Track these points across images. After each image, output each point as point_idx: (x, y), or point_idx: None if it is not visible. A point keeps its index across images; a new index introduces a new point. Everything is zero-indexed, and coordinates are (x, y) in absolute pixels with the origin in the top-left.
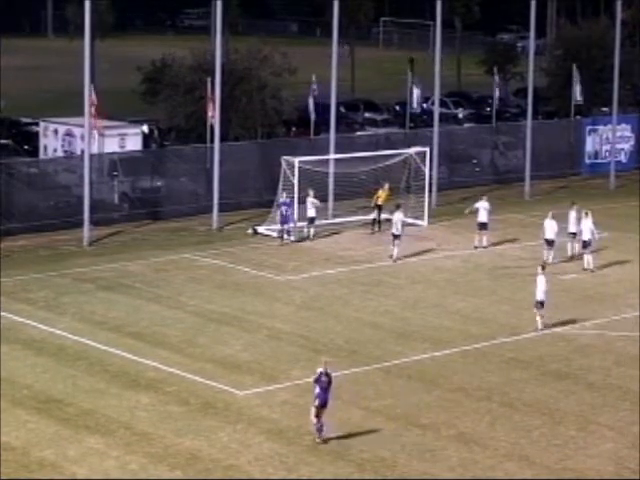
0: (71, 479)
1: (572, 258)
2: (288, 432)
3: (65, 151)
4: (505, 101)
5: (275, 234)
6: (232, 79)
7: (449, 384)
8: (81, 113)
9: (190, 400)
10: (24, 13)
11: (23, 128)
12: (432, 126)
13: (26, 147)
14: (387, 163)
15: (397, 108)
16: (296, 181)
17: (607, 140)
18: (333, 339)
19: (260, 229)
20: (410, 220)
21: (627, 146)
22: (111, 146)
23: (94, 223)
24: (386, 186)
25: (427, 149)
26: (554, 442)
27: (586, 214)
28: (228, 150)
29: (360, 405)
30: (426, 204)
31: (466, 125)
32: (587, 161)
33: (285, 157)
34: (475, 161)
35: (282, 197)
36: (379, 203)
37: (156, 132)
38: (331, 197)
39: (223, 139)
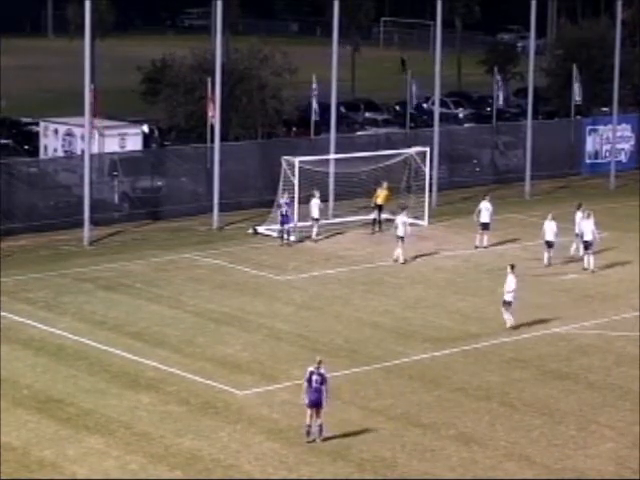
0: (71, 479)
1: (573, 258)
2: (288, 432)
3: (65, 151)
4: (506, 101)
5: (275, 234)
6: (232, 79)
7: (449, 384)
8: (81, 113)
9: (190, 400)
10: (24, 13)
11: (23, 128)
12: (432, 126)
13: (26, 147)
14: (387, 163)
15: (397, 108)
16: (296, 181)
17: (607, 140)
18: (333, 339)
19: (260, 229)
20: (410, 220)
21: (627, 146)
22: (111, 146)
23: (94, 223)
24: (384, 185)
25: (427, 149)
26: (554, 442)
27: (588, 215)
28: (228, 150)
29: (360, 405)
30: (426, 204)
31: (466, 125)
32: (587, 161)
33: (285, 157)
34: (475, 161)
35: (283, 197)
36: (379, 203)
37: (156, 132)
38: (331, 197)
39: (223, 139)
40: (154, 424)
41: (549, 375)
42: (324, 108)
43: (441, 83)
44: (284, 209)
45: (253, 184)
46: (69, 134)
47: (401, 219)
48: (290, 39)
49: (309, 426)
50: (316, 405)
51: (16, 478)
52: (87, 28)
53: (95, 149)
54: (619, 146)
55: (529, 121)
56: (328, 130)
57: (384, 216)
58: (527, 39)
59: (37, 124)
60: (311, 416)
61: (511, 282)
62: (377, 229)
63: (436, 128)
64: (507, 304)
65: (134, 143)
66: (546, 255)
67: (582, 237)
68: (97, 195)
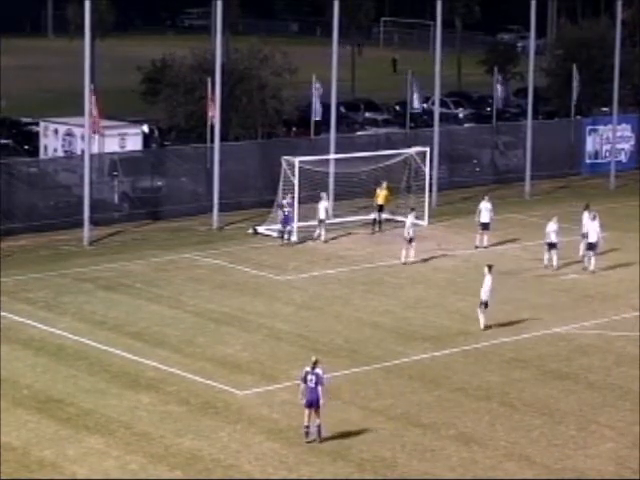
0: (71, 479)
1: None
2: (288, 432)
3: (65, 151)
4: (505, 101)
5: (275, 234)
6: (232, 79)
7: (449, 384)
8: (81, 113)
9: (190, 400)
10: (24, 13)
11: (23, 128)
12: (432, 126)
13: (26, 147)
14: (387, 163)
15: (397, 108)
16: (296, 181)
17: (607, 140)
18: (333, 339)
19: (260, 229)
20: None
21: (627, 146)
22: (111, 146)
23: (94, 223)
24: (384, 185)
25: (427, 149)
26: (554, 442)
27: (593, 217)
28: (228, 150)
29: (360, 405)
30: (426, 204)
31: (466, 125)
32: (587, 161)
33: (285, 157)
34: (475, 161)
35: (286, 198)
36: (379, 203)
37: (156, 132)
38: (331, 197)
39: (223, 139)
40: (154, 424)
41: (549, 375)
42: (324, 108)
43: (441, 83)
44: (286, 210)
45: (253, 184)
46: (69, 134)
47: (410, 220)
48: (290, 39)
49: (307, 427)
50: (312, 405)
51: (16, 478)
52: (87, 28)
53: (95, 149)
54: (619, 146)
55: (529, 121)
56: (328, 130)
57: (383, 216)
58: (527, 39)
59: (37, 124)
60: (309, 416)
61: (488, 282)
62: (377, 229)
63: (436, 128)
64: (484, 304)
65: (134, 143)
66: (546, 256)
67: (586, 238)
68: (97, 195)
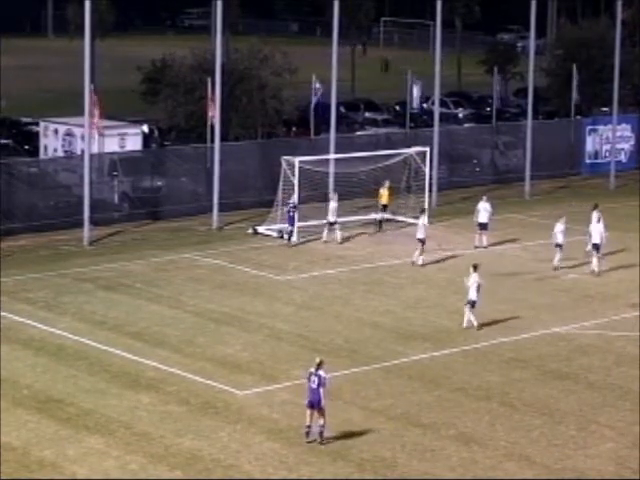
0: (71, 479)
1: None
2: (288, 432)
3: (65, 151)
4: (505, 101)
5: (275, 234)
6: (232, 79)
7: (449, 384)
8: (81, 113)
9: (190, 400)
10: (24, 13)
11: (23, 128)
12: (432, 126)
13: (26, 147)
14: (387, 163)
15: (397, 108)
16: (296, 181)
17: (607, 140)
18: (333, 339)
19: (260, 229)
20: (410, 220)
21: (627, 146)
22: (111, 146)
23: (94, 223)
24: (387, 184)
25: (427, 149)
26: (554, 442)
27: (598, 219)
28: (228, 150)
29: (360, 405)
30: (426, 204)
31: (466, 125)
32: (587, 161)
33: (285, 157)
34: (475, 161)
35: (291, 199)
36: (383, 203)
37: (156, 132)
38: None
39: (223, 139)
40: (154, 424)
41: (549, 375)
42: (324, 108)
43: (441, 83)
44: (291, 211)
45: (253, 184)
46: (69, 134)
47: (422, 221)
48: (290, 39)
49: (308, 426)
50: (314, 406)
51: (16, 478)
52: (87, 28)
53: (95, 149)
54: (619, 146)
55: (529, 121)
56: (328, 130)
57: (383, 216)
58: (527, 39)
59: (37, 124)
60: (310, 416)
61: (473, 281)
62: (379, 229)
63: (436, 128)
64: (470, 303)
65: (134, 143)
66: (557, 256)
67: (591, 238)
68: (97, 195)
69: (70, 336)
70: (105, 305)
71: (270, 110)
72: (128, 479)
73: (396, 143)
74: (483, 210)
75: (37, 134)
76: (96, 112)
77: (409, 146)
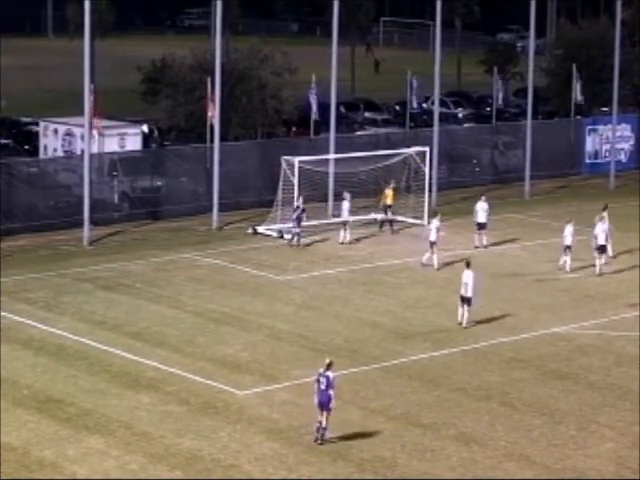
0: (71, 479)
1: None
2: (288, 432)
3: (65, 151)
4: (505, 101)
5: (276, 234)
6: (232, 79)
7: (449, 384)
8: (81, 113)
9: (190, 400)
10: (24, 13)
11: (23, 128)
12: (432, 126)
13: (26, 147)
14: (387, 163)
15: (397, 108)
16: (296, 181)
17: (607, 140)
18: (333, 339)
19: (260, 229)
20: (410, 220)
21: (627, 146)
22: (111, 146)
23: (94, 223)
24: (392, 184)
25: (427, 149)
26: (554, 442)
27: (601, 219)
28: (228, 150)
29: (360, 405)
30: (426, 204)
31: (466, 125)
32: (587, 161)
33: (285, 157)
34: (475, 161)
35: (298, 200)
36: (388, 203)
37: (156, 132)
38: (331, 197)
39: (223, 139)
40: (154, 424)
41: (549, 375)
42: (324, 108)
43: (441, 83)
44: (299, 212)
45: (253, 184)
46: (69, 134)
47: (434, 224)
48: (290, 39)
49: (319, 425)
50: (323, 407)
51: (16, 478)
52: (87, 28)
53: (95, 149)
54: (619, 146)
55: (529, 121)
56: (328, 130)
57: (388, 216)
58: (527, 39)
59: (37, 124)
60: (321, 415)
61: (468, 278)
62: (385, 229)
63: (436, 128)
64: (466, 300)
65: (134, 143)
66: (567, 259)
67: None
68: (97, 195)
69: (70, 336)
70: (105, 305)
71: (270, 110)
72: (128, 479)
73: (396, 143)
74: (481, 210)
75: (37, 134)
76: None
77: (409, 146)
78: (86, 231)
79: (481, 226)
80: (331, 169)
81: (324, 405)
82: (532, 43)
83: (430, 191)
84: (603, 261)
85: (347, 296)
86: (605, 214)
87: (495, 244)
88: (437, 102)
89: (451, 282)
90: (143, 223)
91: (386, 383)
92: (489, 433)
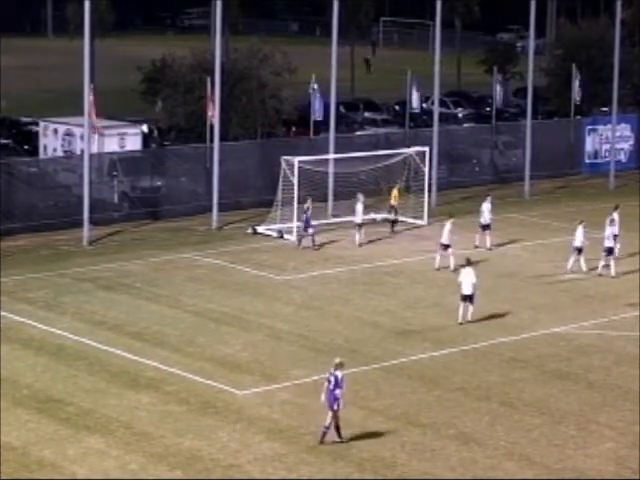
0: (71, 479)
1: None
2: (288, 432)
3: (65, 151)
4: (505, 100)
5: (276, 234)
6: (232, 79)
7: (449, 384)
8: (81, 113)
9: (190, 400)
10: (24, 13)
11: (23, 128)
12: (432, 126)
13: (26, 147)
14: (387, 163)
15: (397, 108)
16: (296, 181)
17: (607, 140)
18: (333, 339)
19: (260, 229)
20: (410, 220)
21: (627, 146)
22: (111, 146)
23: (94, 223)
24: (398, 185)
25: (427, 149)
26: (554, 442)
27: (611, 221)
28: (228, 150)
29: (360, 405)
30: (426, 204)
31: (466, 125)
32: (587, 161)
33: (285, 157)
34: (475, 161)
35: (307, 202)
36: (393, 203)
37: (156, 132)
38: (330, 197)
39: (223, 139)
40: (154, 424)
41: (549, 375)
42: (323, 108)
43: (441, 83)
44: (308, 214)
45: (253, 184)
46: (68, 134)
47: (448, 227)
48: (290, 39)
49: (336, 427)
50: (330, 407)
51: (16, 478)
52: (87, 28)
53: (95, 149)
54: (618, 146)
55: (528, 121)
56: (327, 130)
57: (382, 216)
58: (526, 39)
59: (37, 124)
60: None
61: (468, 276)
62: (393, 229)
63: (435, 128)
64: (467, 298)
65: (133, 143)
66: (575, 260)
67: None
68: (96, 195)
69: (70, 336)
70: (105, 305)
71: (270, 110)
72: (128, 479)
73: (396, 143)
74: (486, 211)
75: (37, 134)
76: (93, 110)
77: (409, 146)
78: (86, 231)
79: (485, 227)
80: (331, 169)
81: (331, 405)
82: (532, 43)
83: (430, 191)
84: (611, 262)
85: (347, 296)
86: (615, 215)
87: (495, 244)
88: (437, 102)
89: (451, 282)
90: (143, 223)
91: (386, 383)
92: (489, 433)
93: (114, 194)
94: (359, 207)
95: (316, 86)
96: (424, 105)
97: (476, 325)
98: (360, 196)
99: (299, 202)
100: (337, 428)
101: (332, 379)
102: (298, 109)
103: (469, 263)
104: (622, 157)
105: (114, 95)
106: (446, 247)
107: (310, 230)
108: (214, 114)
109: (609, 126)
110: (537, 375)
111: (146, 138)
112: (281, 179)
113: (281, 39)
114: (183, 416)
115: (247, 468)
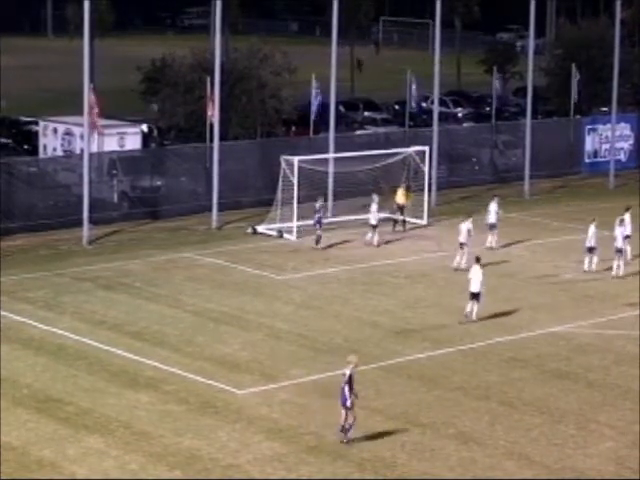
0: (70, 479)
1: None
2: (287, 431)
3: (65, 150)
4: (504, 100)
5: (276, 234)
6: (232, 78)
7: (449, 383)
8: (81, 112)
9: (189, 399)
10: (24, 13)
11: (23, 127)
12: (431, 125)
13: (26, 146)
14: (386, 162)
15: (397, 107)
16: (295, 180)
17: (606, 139)
18: (332, 338)
19: (259, 228)
20: (409, 219)
21: (626, 145)
22: (110, 145)
23: (93, 222)
24: (403, 185)
25: (427, 148)
26: (554, 441)
27: (621, 221)
28: (228, 149)
29: (360, 405)
30: (425, 203)
31: (465, 124)
32: (586, 160)
33: (285, 156)
34: (475, 160)
35: (318, 202)
36: (402, 203)
37: (155, 131)
38: (330, 197)
39: (222, 138)
40: (153, 423)
41: (548, 374)
42: (323, 107)
43: (440, 82)
44: (320, 214)
45: (252, 183)
46: (68, 133)
47: (466, 226)
48: (290, 39)
49: (342, 426)
50: (342, 405)
51: (16, 478)
52: (86, 28)
53: (94, 148)
54: (618, 145)
55: (528, 120)
56: (327, 129)
57: (382, 215)
58: (526, 39)
59: (36, 123)
60: (345, 415)
61: (476, 274)
62: (402, 228)
63: (435, 127)
64: (474, 295)
65: (133, 142)
66: (594, 259)
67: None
68: (96, 194)
69: (70, 336)
70: (105, 304)
71: (269, 109)
72: (127, 479)
73: (395, 142)
74: (493, 211)
75: (37, 133)
76: (96, 110)
77: (408, 145)
78: (85, 230)
79: (491, 226)
80: (330, 169)
81: (342, 403)
82: (532, 43)
83: (429, 191)
84: (620, 263)
85: (346, 296)
86: (626, 217)
87: (504, 246)
88: (437, 102)
89: (450, 282)
90: (142, 223)
91: (385, 383)
92: (488, 432)
93: (114, 194)
94: (374, 207)
95: (317, 88)
96: (423, 104)
97: (476, 325)
98: (375, 196)
99: (299, 202)
100: (343, 426)
101: (343, 377)
102: (298, 109)
103: (478, 261)
104: (622, 157)
105: (114, 95)
106: (462, 245)
107: (318, 230)
108: (214, 114)
109: (609, 126)
110: (537, 374)
111: (146, 138)
112: (281, 179)
113: (281, 39)
114: (182, 416)
115: (246, 468)
